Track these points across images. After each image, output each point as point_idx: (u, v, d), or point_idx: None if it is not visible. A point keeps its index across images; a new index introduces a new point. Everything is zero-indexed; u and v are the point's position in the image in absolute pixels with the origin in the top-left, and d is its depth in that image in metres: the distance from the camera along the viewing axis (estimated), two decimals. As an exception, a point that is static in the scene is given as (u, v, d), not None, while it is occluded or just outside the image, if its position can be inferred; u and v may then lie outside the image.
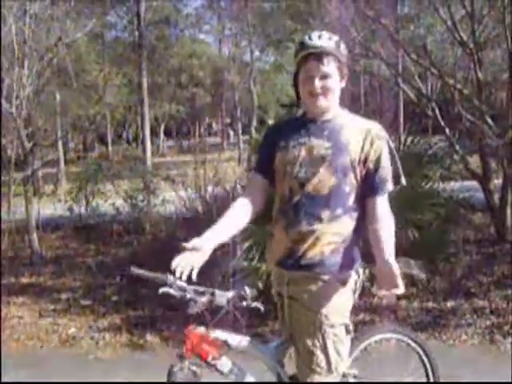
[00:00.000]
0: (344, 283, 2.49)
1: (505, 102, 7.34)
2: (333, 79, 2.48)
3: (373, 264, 2.36)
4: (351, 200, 2.49)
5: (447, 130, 7.23)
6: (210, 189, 8.10)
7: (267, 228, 5.24)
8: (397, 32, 8.32)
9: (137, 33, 18.77)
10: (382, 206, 2.47)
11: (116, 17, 25.96)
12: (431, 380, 3.00)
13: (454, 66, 9.36)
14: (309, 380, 2.45)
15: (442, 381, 3.02)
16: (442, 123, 7.29)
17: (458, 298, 5.48)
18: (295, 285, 2.49)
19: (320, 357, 2.43)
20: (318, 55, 2.47)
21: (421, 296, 5.58)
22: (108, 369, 4.63)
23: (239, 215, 2.60)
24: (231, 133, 41.14)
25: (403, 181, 2.56)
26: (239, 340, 2.52)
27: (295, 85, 2.59)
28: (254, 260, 5.34)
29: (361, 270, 2.59)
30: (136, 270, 2.51)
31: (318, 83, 2.46)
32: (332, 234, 2.46)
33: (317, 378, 2.44)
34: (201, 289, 2.44)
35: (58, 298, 6.57)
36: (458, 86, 7.16)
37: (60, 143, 20.04)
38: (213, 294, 2.42)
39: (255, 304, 2.42)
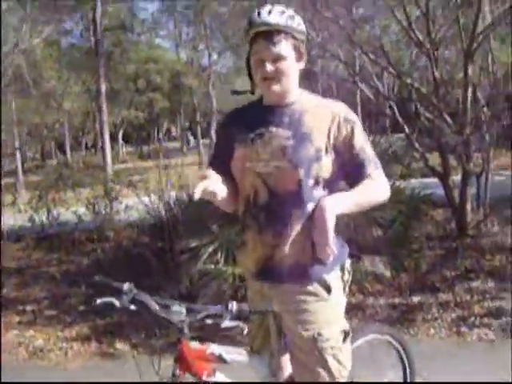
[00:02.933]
0: (329, 289, 2.27)
1: (461, 99, 7.48)
2: (287, 61, 2.19)
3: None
4: (319, 194, 2.22)
5: (406, 129, 7.31)
6: (173, 194, 8.05)
7: (232, 231, 5.32)
8: (353, 33, 8.42)
9: (93, 39, 18.60)
10: (373, 181, 2.26)
11: (72, 23, 25.66)
12: (408, 375, 3.07)
13: (410, 66, 9.54)
14: None
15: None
16: (401, 121, 7.37)
17: (423, 293, 5.58)
18: (279, 302, 2.28)
19: (322, 373, 2.26)
20: (268, 34, 2.17)
21: (387, 292, 5.66)
22: (79, 379, 4.57)
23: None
24: (191, 137, 41.01)
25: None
26: (234, 354, 2.37)
27: (248, 67, 2.29)
28: (219, 263, 5.34)
29: (347, 264, 2.37)
30: (99, 278, 2.35)
31: (269, 67, 2.18)
32: (308, 234, 2.19)
33: None
34: (163, 301, 2.23)
35: (22, 309, 6.45)
36: (416, 84, 7.28)
37: (18, 153, 19.70)
38: (168, 308, 2.19)
39: (234, 323, 2.15)
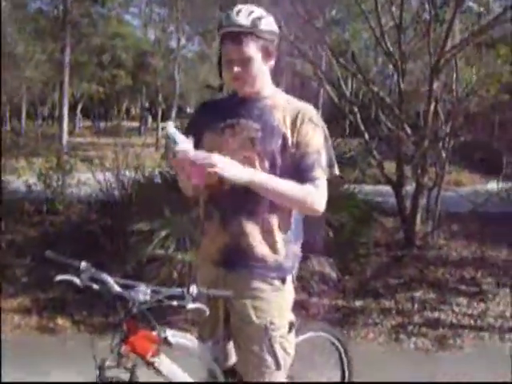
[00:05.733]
0: (284, 280, 2.38)
1: (422, 113, 7.63)
2: (254, 62, 2.24)
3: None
4: None
5: (366, 135, 7.41)
6: (128, 173, 7.97)
7: (184, 217, 5.32)
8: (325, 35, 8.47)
9: (62, 7, 18.21)
10: (313, 187, 2.25)
11: (42, -12, 25.01)
12: (346, 375, 3.15)
13: (376, 74, 9.66)
14: (261, 380, 2.41)
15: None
16: (362, 127, 7.46)
17: (366, 298, 5.70)
18: (235, 288, 2.28)
19: (269, 360, 2.36)
20: (235, 36, 2.22)
21: (331, 294, 5.74)
22: (16, 351, 4.51)
23: None
24: (149, 118, 40.64)
25: (336, 170, 2.37)
26: (179, 337, 2.39)
27: (219, 65, 2.35)
28: (169, 249, 5.34)
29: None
30: (51, 254, 2.29)
31: (236, 69, 2.24)
32: (278, 226, 2.30)
33: (267, 378, 2.40)
34: (122, 281, 2.22)
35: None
36: (382, 93, 7.39)
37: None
38: (133, 288, 2.19)
39: (196, 306, 2.15)
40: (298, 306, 5.17)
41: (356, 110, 7.55)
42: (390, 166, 7.78)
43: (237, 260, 2.33)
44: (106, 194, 7.94)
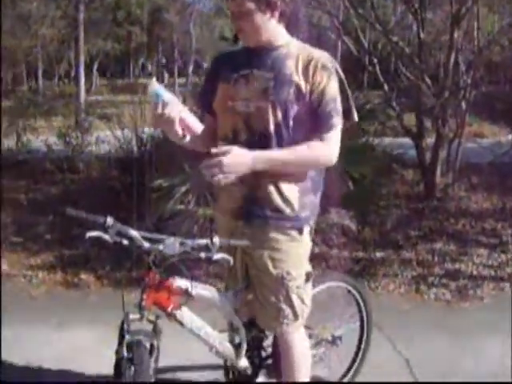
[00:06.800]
0: (301, 231, 2.39)
1: (442, 63, 7.50)
2: (253, 15, 2.22)
3: None
4: (300, 137, 2.28)
5: (386, 86, 7.31)
6: (147, 130, 7.96)
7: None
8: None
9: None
10: (322, 143, 2.28)
11: None
12: (364, 325, 3.18)
13: (395, 24, 9.48)
14: (278, 330, 2.49)
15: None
16: (381, 79, 7.36)
17: (386, 249, 5.69)
18: (253, 239, 2.33)
19: (286, 310, 2.43)
20: None
21: (351, 246, 5.75)
22: (43, 306, 4.61)
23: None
24: (166, 74, 40.46)
25: (355, 116, 2.37)
26: (200, 289, 2.42)
27: None
28: (190, 204, 5.36)
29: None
30: (72, 211, 2.27)
31: (237, 23, 2.28)
32: (294, 176, 2.31)
33: (285, 328, 2.46)
34: (149, 235, 2.24)
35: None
36: (401, 43, 7.26)
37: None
38: (161, 242, 2.21)
39: (221, 256, 2.20)
40: (319, 258, 5.25)
41: (375, 61, 7.43)
42: (410, 118, 7.69)
43: (253, 211, 2.35)
44: (125, 151, 7.95)
